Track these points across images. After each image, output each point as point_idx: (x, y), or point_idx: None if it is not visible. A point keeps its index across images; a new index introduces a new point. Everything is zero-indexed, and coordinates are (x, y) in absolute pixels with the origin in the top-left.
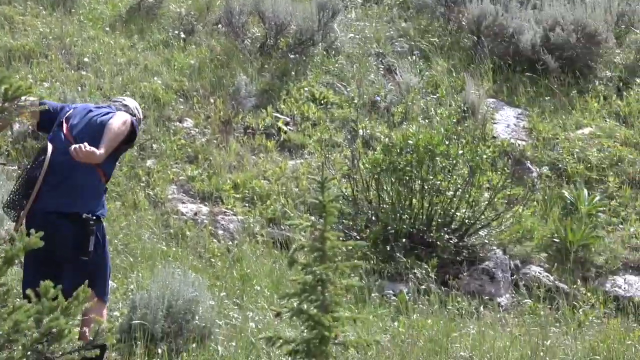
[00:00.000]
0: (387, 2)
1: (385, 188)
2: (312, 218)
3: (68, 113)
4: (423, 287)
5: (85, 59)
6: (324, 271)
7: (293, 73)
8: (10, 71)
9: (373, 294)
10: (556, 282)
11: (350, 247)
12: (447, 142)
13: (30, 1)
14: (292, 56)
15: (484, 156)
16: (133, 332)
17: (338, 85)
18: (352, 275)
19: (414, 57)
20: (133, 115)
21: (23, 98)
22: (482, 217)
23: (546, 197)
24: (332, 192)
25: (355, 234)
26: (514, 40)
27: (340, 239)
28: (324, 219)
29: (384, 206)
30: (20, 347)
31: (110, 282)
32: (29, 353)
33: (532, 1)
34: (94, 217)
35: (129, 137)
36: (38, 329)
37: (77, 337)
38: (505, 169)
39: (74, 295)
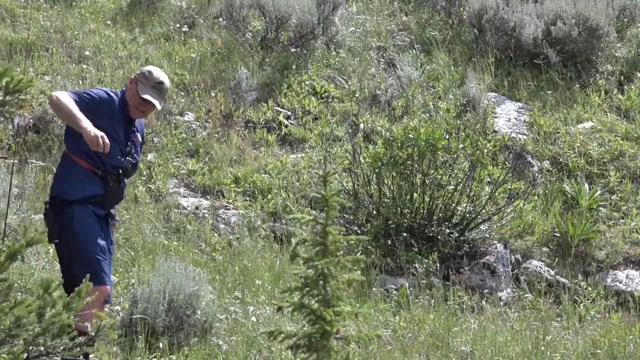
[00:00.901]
0: None
1: (386, 182)
2: (314, 212)
3: None
4: (424, 281)
5: (87, 52)
6: (325, 265)
7: (294, 67)
8: (11, 64)
9: (374, 289)
10: (557, 277)
11: (352, 242)
12: (448, 136)
13: None
14: (292, 50)
15: (485, 150)
16: (134, 326)
17: (339, 79)
18: (354, 269)
19: (415, 50)
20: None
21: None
22: (483, 211)
23: (547, 192)
24: (334, 187)
25: (356, 228)
26: (515, 34)
27: (342, 233)
28: (326, 213)
29: (385, 200)
30: (21, 342)
31: (100, 271)
32: (30, 348)
33: None
34: (50, 202)
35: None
36: (40, 324)
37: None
38: (506, 163)
39: (75, 290)
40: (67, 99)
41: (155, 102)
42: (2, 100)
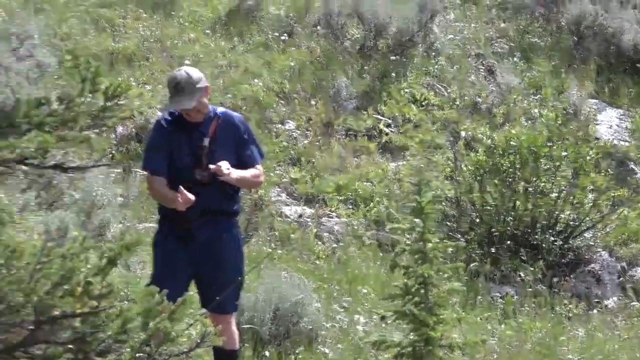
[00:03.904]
0: (485, 2)
1: (488, 190)
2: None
3: None
4: (530, 289)
5: (186, 62)
6: (425, 271)
7: (393, 74)
8: (113, 74)
9: (479, 297)
10: None
11: (453, 250)
12: (550, 144)
13: (131, 4)
14: (392, 57)
15: (587, 157)
16: (241, 334)
17: (438, 86)
18: (455, 276)
19: (514, 57)
20: None
21: None
22: (587, 219)
23: None
24: (429, 194)
25: (460, 235)
26: (614, 41)
27: (444, 240)
28: (423, 221)
29: (488, 208)
30: (128, 349)
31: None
32: (136, 355)
33: (632, 1)
34: None
35: None
36: (145, 331)
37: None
38: (609, 170)
39: (180, 299)
40: (154, 188)
41: (179, 106)
42: (102, 106)
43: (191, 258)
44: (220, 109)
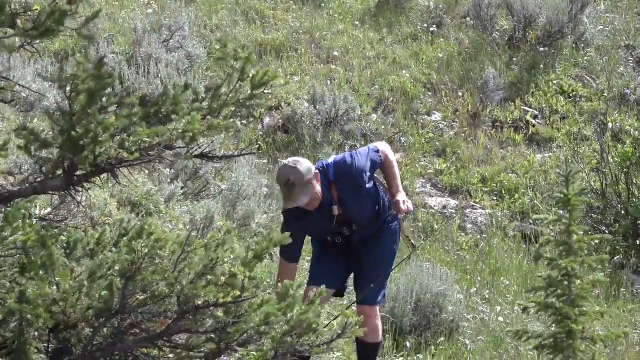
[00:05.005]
0: None
1: (635, 182)
2: (561, 212)
3: None
4: None
5: (335, 53)
6: (569, 264)
7: (541, 66)
8: (261, 65)
9: (622, 289)
10: None
11: (597, 241)
12: None
13: None
14: (540, 49)
15: None
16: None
17: (587, 77)
18: (599, 268)
19: None
20: None
21: None
22: None
23: None
24: (576, 186)
25: (604, 227)
26: None
27: (589, 232)
28: (569, 212)
29: (634, 200)
30: (269, 340)
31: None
32: (277, 346)
33: None
34: None
35: None
36: (287, 322)
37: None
38: None
39: (317, 290)
40: (282, 273)
41: (290, 204)
42: (250, 94)
43: (349, 252)
44: (330, 162)
